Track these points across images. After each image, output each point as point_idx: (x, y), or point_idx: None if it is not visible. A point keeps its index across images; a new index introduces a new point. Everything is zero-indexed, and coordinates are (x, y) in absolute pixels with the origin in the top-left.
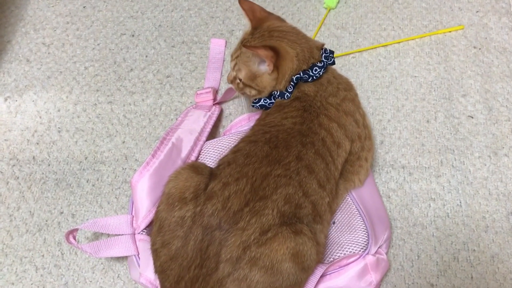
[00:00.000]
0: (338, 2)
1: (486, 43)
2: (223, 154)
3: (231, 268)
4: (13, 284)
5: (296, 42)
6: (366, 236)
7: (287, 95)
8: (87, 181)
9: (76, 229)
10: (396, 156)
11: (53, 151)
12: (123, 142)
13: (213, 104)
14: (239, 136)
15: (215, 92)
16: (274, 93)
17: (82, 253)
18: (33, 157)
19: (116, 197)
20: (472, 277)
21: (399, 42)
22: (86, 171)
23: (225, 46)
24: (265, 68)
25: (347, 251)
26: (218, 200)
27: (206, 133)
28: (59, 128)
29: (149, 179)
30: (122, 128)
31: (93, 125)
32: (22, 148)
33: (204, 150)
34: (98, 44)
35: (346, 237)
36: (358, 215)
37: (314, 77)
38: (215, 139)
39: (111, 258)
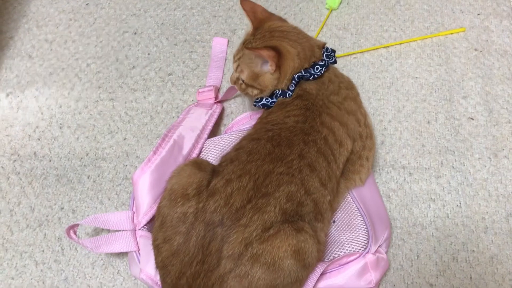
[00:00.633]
0: (340, 3)
1: (487, 46)
2: (225, 152)
3: (233, 265)
4: (13, 278)
5: (297, 41)
6: (366, 235)
7: (289, 94)
8: (88, 177)
9: (77, 225)
10: (397, 157)
11: (55, 147)
12: (125, 139)
13: (215, 103)
14: (240, 134)
15: (217, 90)
16: (276, 92)
17: (82, 249)
18: (34, 153)
19: (116, 194)
20: (471, 278)
21: (400, 44)
22: (87, 167)
23: (227, 45)
24: (268, 68)
25: (347, 249)
26: (220, 197)
27: (207, 131)
28: (60, 124)
29: (150, 175)
30: (124, 125)
31: (94, 121)
32: (24, 144)
33: (206, 148)
34: (100, 42)
35: (347, 235)
36: (359, 214)
37: (316, 75)
38: (216, 137)
39: (111, 254)
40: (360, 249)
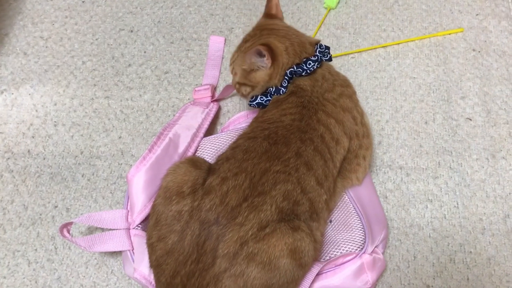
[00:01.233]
0: (338, 2)
1: (486, 46)
2: (221, 150)
3: (228, 264)
4: (5, 277)
5: (285, 37)
6: (363, 235)
7: (282, 90)
8: (83, 176)
9: (71, 223)
10: (394, 157)
11: (49, 145)
12: (120, 137)
13: (211, 101)
14: (237, 133)
15: (213, 89)
16: (270, 89)
17: (75, 248)
18: (28, 151)
19: (111, 192)
20: (468, 279)
21: (398, 43)
22: (81, 166)
23: (224, 43)
24: (264, 63)
25: (343, 249)
26: (216, 195)
27: (203, 130)
28: (55, 122)
29: (145, 173)
30: (119, 123)
31: (89, 119)
32: (17, 141)
33: (201, 147)
34: (96, 39)
35: (343, 235)
36: (355, 214)
37: (308, 70)
38: (212, 136)
39: (105, 253)
40: (356, 250)
